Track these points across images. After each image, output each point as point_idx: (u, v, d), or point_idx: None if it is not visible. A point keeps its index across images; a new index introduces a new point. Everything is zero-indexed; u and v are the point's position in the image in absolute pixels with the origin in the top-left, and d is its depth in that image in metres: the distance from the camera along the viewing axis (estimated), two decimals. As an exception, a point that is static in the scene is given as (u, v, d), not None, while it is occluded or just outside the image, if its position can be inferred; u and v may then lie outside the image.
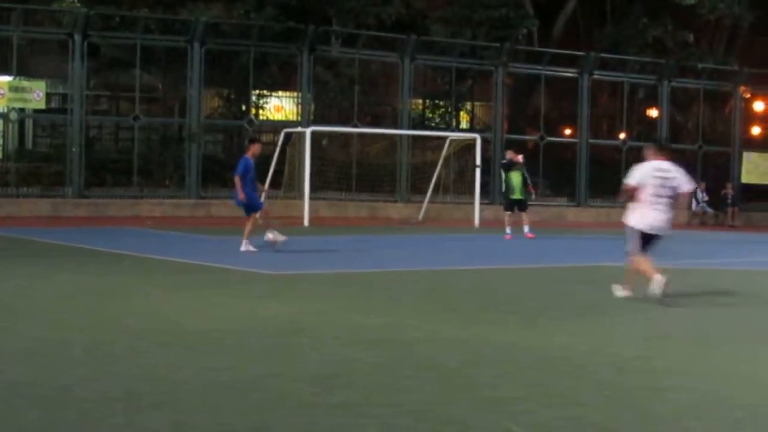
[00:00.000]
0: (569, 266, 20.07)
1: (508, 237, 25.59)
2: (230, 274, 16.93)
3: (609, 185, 40.31)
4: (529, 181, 26.67)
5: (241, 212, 20.08)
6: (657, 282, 12.99)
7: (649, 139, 18.45)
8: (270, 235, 19.74)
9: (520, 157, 27.45)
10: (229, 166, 36.35)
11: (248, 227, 19.77)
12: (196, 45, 33.92)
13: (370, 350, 9.99)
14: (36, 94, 31.27)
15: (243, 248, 19.52)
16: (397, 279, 17.26)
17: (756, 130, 46.27)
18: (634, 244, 13.75)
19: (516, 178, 26.54)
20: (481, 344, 9.85)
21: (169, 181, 35.20)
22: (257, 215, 20.04)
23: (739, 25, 45.08)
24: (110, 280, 15.19)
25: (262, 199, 20.78)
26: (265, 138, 37.06)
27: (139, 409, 7.03)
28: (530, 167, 38.20)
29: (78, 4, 34.84)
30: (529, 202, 27.82)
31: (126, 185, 34.50)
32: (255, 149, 20.44)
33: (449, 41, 39.12)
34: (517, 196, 26.44)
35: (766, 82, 44.38)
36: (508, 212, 27.32)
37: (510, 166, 27.29)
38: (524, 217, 26.99)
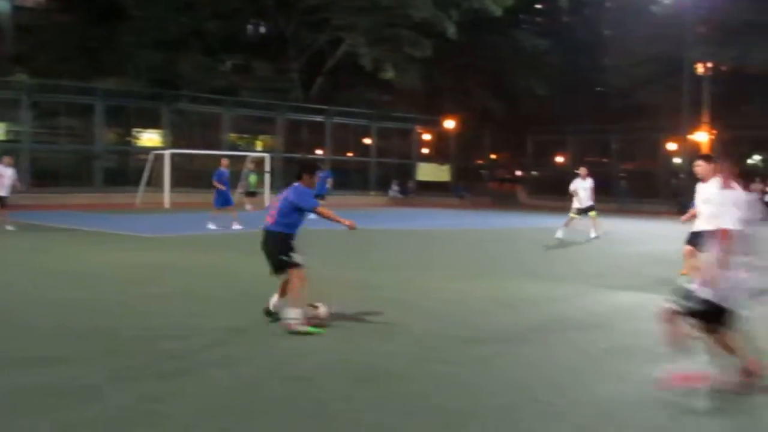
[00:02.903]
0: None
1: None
2: (117, 238, 18.17)
3: (349, 184, 43.51)
4: (259, 181, 28.83)
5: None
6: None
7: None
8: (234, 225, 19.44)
9: (252, 166, 29.50)
10: (121, 173, 39.05)
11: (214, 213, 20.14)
12: (100, 103, 36.52)
13: (208, 281, 11.02)
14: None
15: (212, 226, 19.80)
16: (227, 238, 18.71)
17: (425, 151, 51.67)
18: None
19: (253, 178, 29.44)
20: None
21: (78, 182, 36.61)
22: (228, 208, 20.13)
23: (416, 91, 49.96)
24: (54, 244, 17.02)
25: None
26: (142, 157, 38.47)
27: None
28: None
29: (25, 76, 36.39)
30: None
31: (54, 186, 35.24)
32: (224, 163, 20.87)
33: (253, 100, 41.33)
34: (251, 189, 29.23)
35: (430, 124, 50.02)
36: (250, 197, 29.23)
37: (250, 171, 29.95)
38: (250, 203, 28.24)
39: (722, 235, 5.76)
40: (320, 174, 24.68)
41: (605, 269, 14.39)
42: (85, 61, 40.57)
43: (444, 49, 45.50)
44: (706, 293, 5.68)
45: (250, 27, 50.47)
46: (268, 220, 8.03)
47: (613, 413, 5.48)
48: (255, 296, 8.36)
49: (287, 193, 8.08)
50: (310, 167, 8.20)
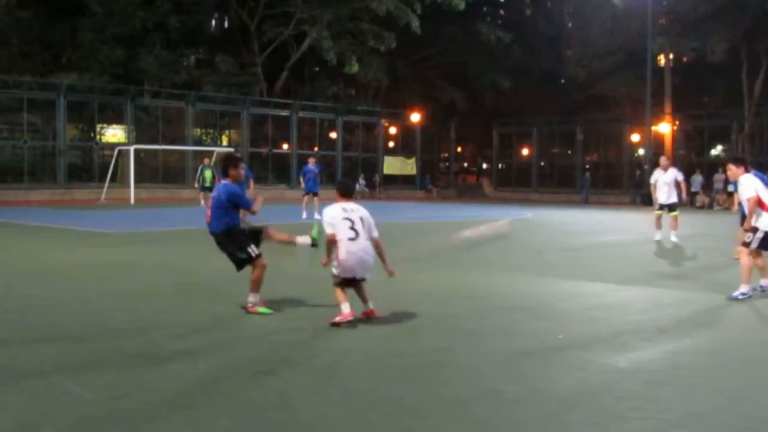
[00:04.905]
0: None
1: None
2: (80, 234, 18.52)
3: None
4: (216, 176, 26.54)
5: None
6: None
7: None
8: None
9: (207, 161, 29.30)
10: (85, 169, 40.27)
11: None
12: (62, 98, 36.78)
13: (171, 277, 11.12)
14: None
15: None
16: (190, 234, 18.38)
17: (390, 144, 52.27)
18: None
19: (208, 173, 28.38)
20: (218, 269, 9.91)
21: (41, 178, 37.61)
22: None
23: (380, 85, 50.55)
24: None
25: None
26: (106, 152, 39.36)
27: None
28: (264, 167, 42.01)
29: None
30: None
31: (16, 182, 36.11)
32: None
33: (216, 95, 42.45)
34: (207, 185, 27.70)
35: (395, 117, 50.81)
36: (204, 192, 28.03)
37: (205, 167, 28.88)
38: (205, 199, 27.03)
39: None
40: (313, 169, 24.68)
41: (564, 260, 14.55)
42: (46, 56, 40.67)
43: (407, 42, 45.74)
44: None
45: (212, 21, 50.36)
46: (208, 220, 8.18)
47: (575, 402, 5.52)
48: (217, 291, 8.38)
49: (218, 193, 8.17)
50: (232, 160, 8.32)
